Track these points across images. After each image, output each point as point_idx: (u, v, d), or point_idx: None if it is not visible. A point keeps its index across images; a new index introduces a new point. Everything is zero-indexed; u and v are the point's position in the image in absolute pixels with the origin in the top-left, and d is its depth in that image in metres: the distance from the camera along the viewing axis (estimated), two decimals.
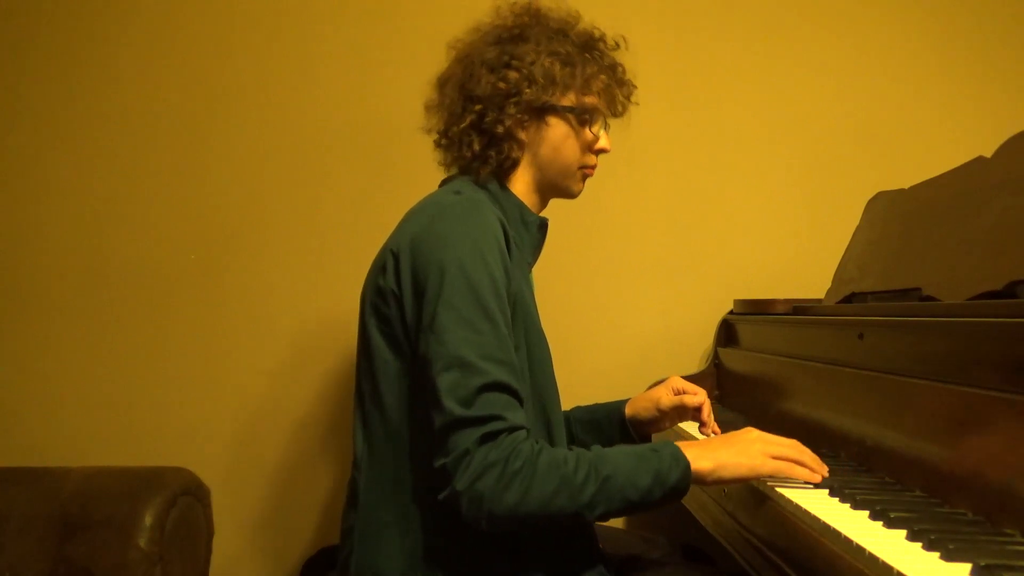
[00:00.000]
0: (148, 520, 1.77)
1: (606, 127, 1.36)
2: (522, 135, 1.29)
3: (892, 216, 1.64)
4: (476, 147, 1.28)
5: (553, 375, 1.26)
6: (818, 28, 2.25)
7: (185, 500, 1.85)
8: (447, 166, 1.39)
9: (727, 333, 2.10)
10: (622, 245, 2.22)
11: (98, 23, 2.20)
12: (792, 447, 1.16)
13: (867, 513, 1.02)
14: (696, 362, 2.20)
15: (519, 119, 1.28)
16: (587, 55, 1.32)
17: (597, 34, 1.35)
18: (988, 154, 1.37)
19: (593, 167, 1.37)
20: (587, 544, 1.23)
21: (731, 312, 2.10)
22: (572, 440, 1.48)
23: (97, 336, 2.18)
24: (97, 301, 2.18)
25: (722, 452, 1.12)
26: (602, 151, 1.36)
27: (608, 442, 1.35)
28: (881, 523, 0.98)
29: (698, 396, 1.42)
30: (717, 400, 2.07)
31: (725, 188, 2.23)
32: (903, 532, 0.93)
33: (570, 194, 1.38)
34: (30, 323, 2.18)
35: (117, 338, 2.17)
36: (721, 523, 1.34)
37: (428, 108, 1.38)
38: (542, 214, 1.37)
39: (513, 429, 1.05)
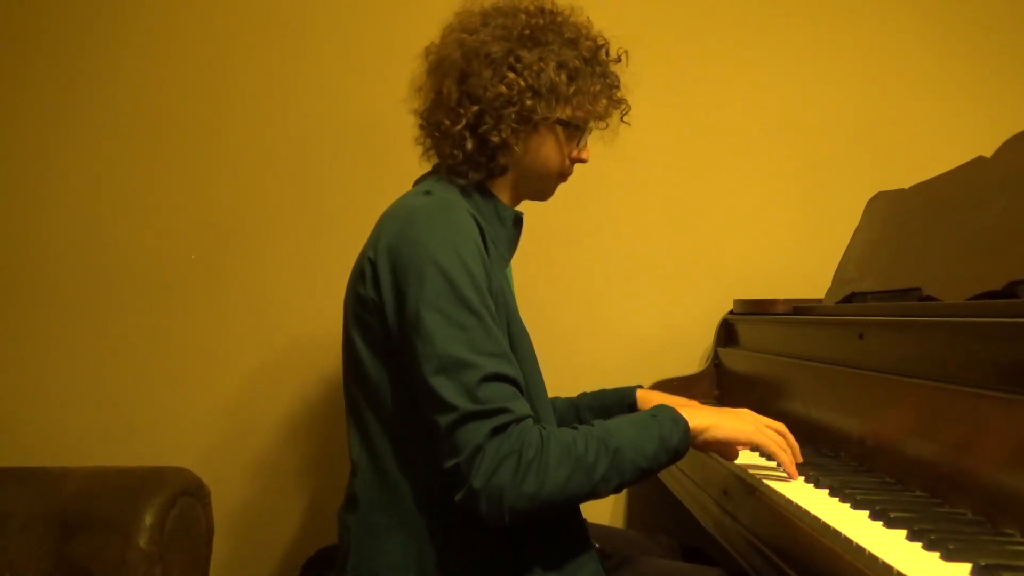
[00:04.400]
0: (148, 520, 1.77)
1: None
2: (516, 145, 1.26)
3: (892, 216, 1.64)
4: (469, 148, 1.25)
5: (538, 367, 1.26)
6: (818, 28, 2.25)
7: (185, 500, 1.85)
8: (430, 156, 1.36)
9: (727, 333, 2.10)
10: (622, 245, 2.22)
11: (98, 24, 2.20)
12: (780, 429, 1.24)
13: (867, 513, 1.02)
14: (696, 362, 2.20)
15: (515, 129, 1.24)
16: (593, 69, 1.29)
17: (602, 43, 1.32)
18: (988, 154, 1.37)
19: (569, 175, 1.36)
20: (580, 533, 1.23)
21: (731, 312, 2.10)
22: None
23: (97, 336, 2.18)
24: (97, 301, 2.18)
25: (714, 416, 1.21)
26: (581, 162, 1.35)
27: None
28: (881, 523, 0.98)
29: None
30: (717, 400, 2.07)
31: (725, 188, 2.23)
32: (903, 532, 0.93)
33: (543, 198, 1.38)
34: (30, 323, 2.18)
35: (117, 338, 2.17)
36: (721, 523, 1.34)
37: (419, 89, 1.32)
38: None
39: (520, 419, 1.05)
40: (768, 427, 1.23)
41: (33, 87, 2.20)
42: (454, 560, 1.13)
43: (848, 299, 1.66)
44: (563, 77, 1.25)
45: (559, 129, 1.29)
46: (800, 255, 2.18)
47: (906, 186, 1.65)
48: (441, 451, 1.06)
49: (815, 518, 1.00)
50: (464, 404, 1.04)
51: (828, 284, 1.79)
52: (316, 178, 2.19)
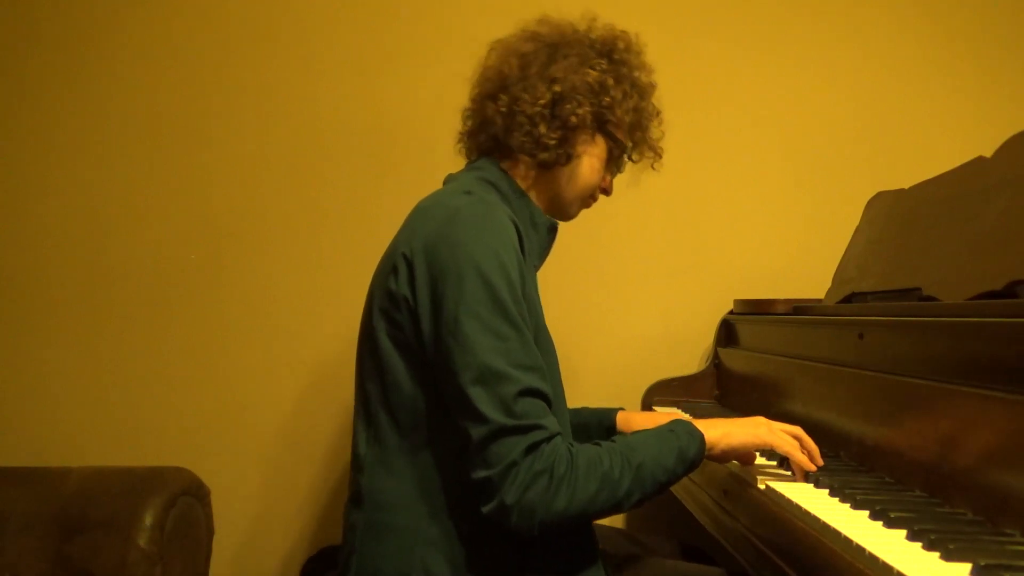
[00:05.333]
0: (148, 520, 1.77)
1: None
2: (579, 139, 1.29)
3: (892, 216, 1.64)
4: (542, 129, 1.26)
5: (560, 380, 1.26)
6: (818, 28, 2.25)
7: (185, 500, 1.85)
8: (461, 149, 1.37)
9: (727, 333, 2.10)
10: (622, 245, 2.22)
11: (98, 23, 2.20)
12: (795, 431, 1.25)
13: (867, 513, 1.02)
14: (696, 362, 2.20)
15: (588, 121, 1.28)
16: (648, 106, 1.35)
17: (655, 89, 1.38)
18: (988, 154, 1.37)
19: (594, 202, 1.40)
20: (588, 540, 1.23)
21: (731, 312, 2.09)
22: None
23: (97, 336, 2.18)
24: (97, 301, 2.18)
25: (728, 425, 1.23)
26: (605, 193, 1.40)
27: None
28: (881, 523, 0.98)
29: None
30: (717, 400, 2.07)
31: (725, 188, 2.23)
32: (903, 532, 0.93)
33: (567, 216, 1.39)
34: (30, 323, 2.18)
35: (117, 338, 2.17)
36: (721, 523, 1.34)
37: (490, 70, 1.33)
38: None
39: (552, 436, 1.06)
40: (783, 430, 1.24)
41: (32, 86, 2.20)
42: (460, 564, 1.13)
43: (848, 299, 1.66)
44: (635, 97, 1.31)
45: (610, 146, 1.33)
46: (800, 255, 2.18)
47: (906, 186, 1.65)
48: (471, 461, 1.07)
49: (815, 518, 1.00)
50: (500, 418, 1.04)
51: (828, 284, 1.79)
52: (316, 178, 2.19)
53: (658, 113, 1.38)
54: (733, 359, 2.02)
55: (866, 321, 1.37)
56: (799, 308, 1.82)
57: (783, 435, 1.23)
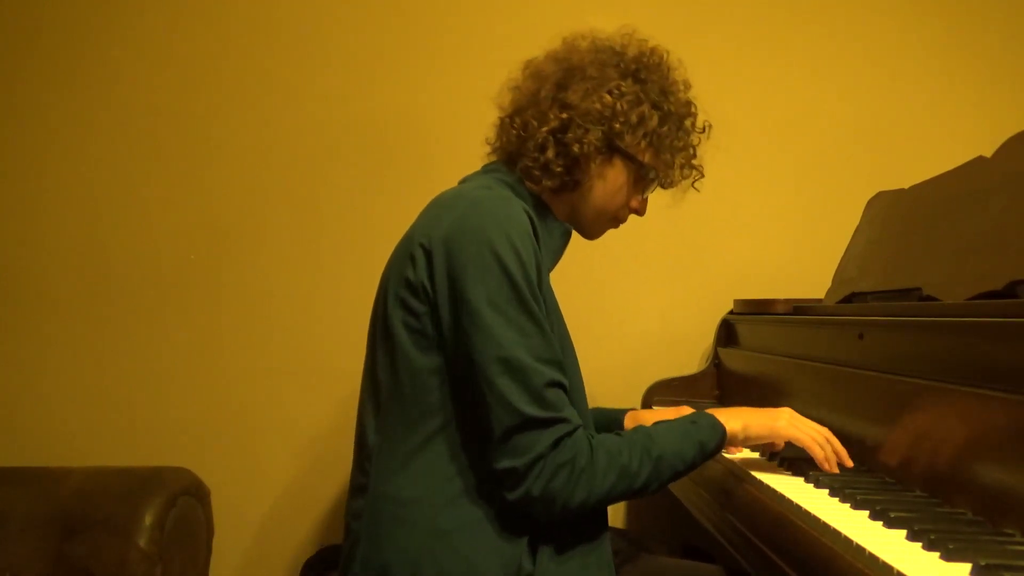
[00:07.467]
0: (148, 520, 1.77)
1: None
2: (592, 164, 1.28)
3: (892, 216, 1.64)
4: (548, 154, 1.26)
5: (582, 380, 1.27)
6: (818, 28, 2.25)
7: (185, 500, 1.85)
8: (501, 156, 1.35)
9: (727, 333, 2.10)
10: (622, 245, 2.21)
11: (98, 23, 2.20)
12: (819, 430, 1.27)
13: (867, 513, 1.02)
14: (696, 362, 2.20)
15: (597, 148, 1.26)
16: (680, 126, 1.33)
17: (694, 109, 1.36)
18: (988, 154, 1.38)
19: (621, 222, 1.38)
20: (597, 520, 1.23)
21: (731, 312, 2.10)
22: None
23: (97, 336, 2.18)
24: (97, 301, 2.18)
25: (748, 416, 1.26)
26: (637, 213, 1.38)
27: None
28: (881, 523, 0.98)
29: None
30: (717, 400, 2.07)
31: (725, 188, 2.23)
32: (903, 532, 0.93)
33: (588, 236, 1.39)
34: (30, 323, 2.18)
35: (117, 338, 2.17)
36: (720, 522, 1.34)
37: (513, 90, 1.33)
38: None
39: (575, 429, 1.10)
40: (809, 426, 1.27)
41: (31, 86, 2.20)
42: (469, 555, 1.13)
43: (848, 299, 1.66)
44: (655, 119, 1.28)
45: (633, 169, 1.31)
46: (800, 255, 2.18)
47: (906, 186, 1.65)
48: (496, 450, 1.10)
49: (815, 518, 1.01)
50: (530, 410, 1.08)
51: (828, 284, 1.79)
52: (316, 178, 2.19)
53: (690, 131, 1.35)
54: (733, 359, 2.02)
55: (866, 321, 1.37)
56: (799, 308, 1.82)
57: (805, 429, 1.26)
